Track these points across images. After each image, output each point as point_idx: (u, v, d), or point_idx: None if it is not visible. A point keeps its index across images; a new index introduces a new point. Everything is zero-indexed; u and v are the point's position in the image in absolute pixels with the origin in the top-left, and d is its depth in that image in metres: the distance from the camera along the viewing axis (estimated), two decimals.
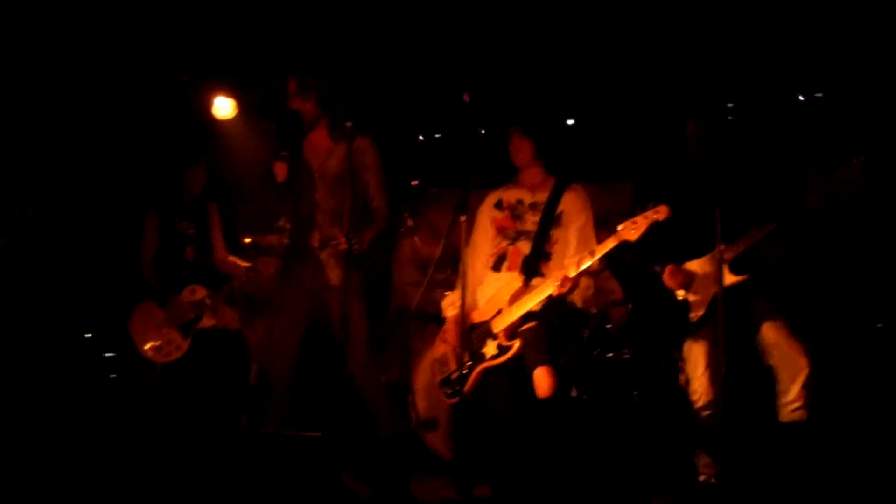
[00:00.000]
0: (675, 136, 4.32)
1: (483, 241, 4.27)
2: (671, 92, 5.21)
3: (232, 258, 5.30)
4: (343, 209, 4.13)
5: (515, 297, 4.02)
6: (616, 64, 5.81)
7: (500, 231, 4.21)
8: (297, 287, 4.35)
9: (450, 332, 4.25)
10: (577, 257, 3.90)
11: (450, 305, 4.30)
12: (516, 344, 3.95)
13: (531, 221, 4.12)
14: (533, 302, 3.94)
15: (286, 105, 4.35)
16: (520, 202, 4.20)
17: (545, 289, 3.90)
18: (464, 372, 4.04)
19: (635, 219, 3.68)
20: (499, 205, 4.26)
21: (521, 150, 4.19)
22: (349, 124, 4.19)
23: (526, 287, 4.02)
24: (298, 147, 4.38)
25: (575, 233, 4.07)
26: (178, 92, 6.22)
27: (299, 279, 4.35)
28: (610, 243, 3.75)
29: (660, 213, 3.67)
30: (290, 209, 4.52)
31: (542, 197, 4.15)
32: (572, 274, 3.82)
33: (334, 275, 4.30)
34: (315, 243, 4.23)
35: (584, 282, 4.02)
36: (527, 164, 4.20)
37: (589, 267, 3.84)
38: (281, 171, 4.26)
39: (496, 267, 4.18)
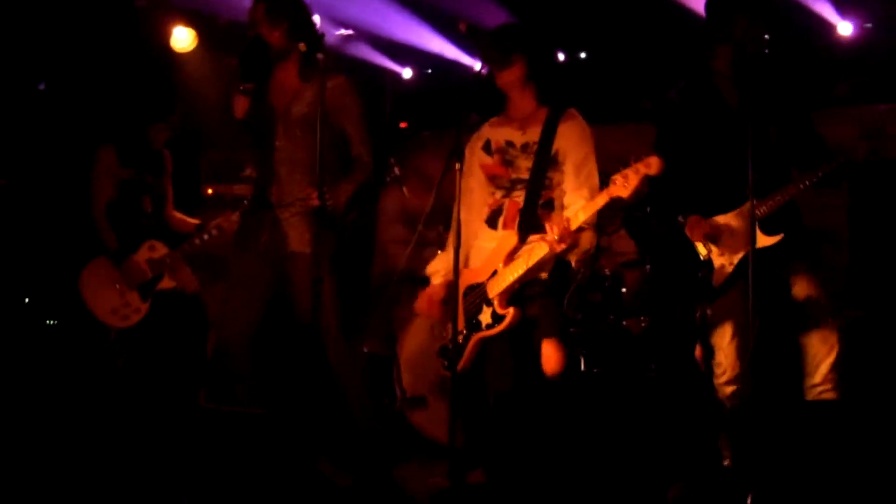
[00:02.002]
0: (701, 71, 3.99)
1: (475, 189, 3.95)
2: (699, 20, 4.65)
3: (178, 214, 5.13)
4: (308, 160, 3.80)
5: (511, 256, 3.74)
6: None
7: (492, 180, 3.89)
8: (253, 252, 4.04)
9: (431, 300, 3.91)
10: (573, 208, 3.64)
11: (436, 272, 4.00)
12: (511, 312, 3.68)
13: (525, 167, 3.81)
14: (529, 263, 3.66)
15: (251, 34, 3.96)
16: (510, 144, 3.86)
17: (540, 248, 3.62)
18: (459, 342, 3.74)
19: (626, 171, 3.43)
20: (487, 147, 3.92)
21: (509, 70, 3.79)
22: (321, 57, 3.81)
23: (521, 244, 3.74)
24: (264, 84, 4.01)
25: (572, 170, 3.76)
26: (132, 20, 5.95)
27: (254, 243, 4.05)
28: (601, 200, 3.50)
29: (650, 166, 3.40)
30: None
31: (534, 135, 3.82)
32: (573, 227, 3.54)
33: (296, 239, 3.98)
34: (273, 199, 3.95)
35: (585, 239, 3.71)
36: (514, 87, 3.81)
37: (584, 224, 3.58)
38: (241, 105, 3.93)
39: (491, 223, 3.86)
